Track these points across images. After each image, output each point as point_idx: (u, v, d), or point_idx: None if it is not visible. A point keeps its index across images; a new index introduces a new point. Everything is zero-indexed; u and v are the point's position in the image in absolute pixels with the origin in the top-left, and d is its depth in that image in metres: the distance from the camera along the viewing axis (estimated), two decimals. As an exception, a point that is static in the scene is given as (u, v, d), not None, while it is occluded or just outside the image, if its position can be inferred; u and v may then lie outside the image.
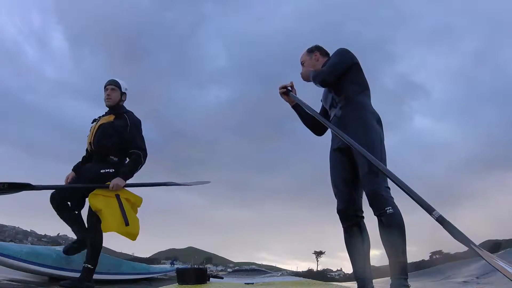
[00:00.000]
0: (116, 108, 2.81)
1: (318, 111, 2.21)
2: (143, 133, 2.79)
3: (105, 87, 2.84)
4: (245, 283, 2.57)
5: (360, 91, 2.01)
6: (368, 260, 1.93)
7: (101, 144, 2.68)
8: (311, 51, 2.22)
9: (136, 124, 2.77)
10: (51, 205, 2.61)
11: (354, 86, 1.99)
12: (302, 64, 2.24)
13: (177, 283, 2.29)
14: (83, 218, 2.66)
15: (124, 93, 2.86)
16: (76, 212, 2.68)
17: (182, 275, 2.34)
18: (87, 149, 2.83)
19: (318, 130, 2.23)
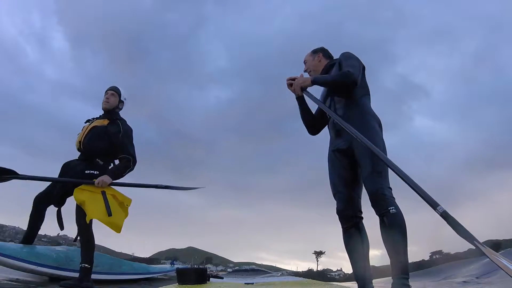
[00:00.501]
0: (111, 113, 2.88)
1: (314, 112, 2.21)
2: (140, 139, 2.88)
3: (106, 91, 2.92)
4: (245, 283, 2.57)
5: (363, 95, 2.02)
6: (367, 260, 1.93)
7: (91, 145, 2.74)
8: (315, 52, 2.24)
9: (128, 131, 2.84)
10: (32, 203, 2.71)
11: (358, 89, 2.00)
12: (305, 63, 2.26)
13: (177, 283, 2.29)
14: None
15: (122, 101, 2.94)
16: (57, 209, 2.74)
17: (182, 275, 2.34)
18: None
19: (315, 128, 2.22)
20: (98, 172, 2.69)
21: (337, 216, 1.97)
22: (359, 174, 1.95)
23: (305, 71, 2.26)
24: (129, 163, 2.74)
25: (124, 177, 2.77)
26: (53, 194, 2.72)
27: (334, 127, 2.05)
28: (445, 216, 1.40)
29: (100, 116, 2.90)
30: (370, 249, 1.95)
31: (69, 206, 2.68)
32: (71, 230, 2.71)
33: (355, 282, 1.96)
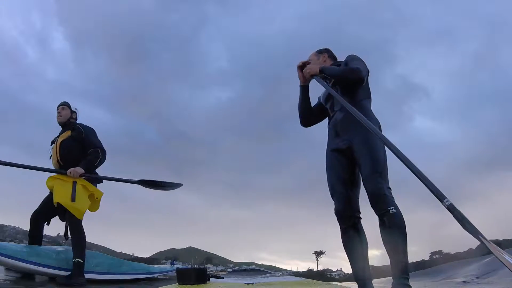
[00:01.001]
0: (68, 124, 3.11)
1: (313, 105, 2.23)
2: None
3: (57, 108, 3.15)
4: (245, 283, 2.57)
5: (364, 98, 2.03)
6: (367, 260, 1.93)
7: (68, 157, 2.97)
8: (320, 52, 2.25)
9: (89, 129, 3.09)
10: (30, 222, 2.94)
11: (360, 92, 2.01)
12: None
13: (177, 283, 2.29)
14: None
15: (74, 111, 3.19)
16: (47, 224, 2.99)
17: (182, 275, 2.34)
18: None
19: (308, 121, 2.24)
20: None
21: (336, 216, 1.98)
22: (357, 174, 1.96)
23: None
24: (98, 154, 2.98)
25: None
26: (48, 210, 2.93)
27: (334, 126, 2.05)
28: (452, 209, 1.40)
29: (60, 131, 3.13)
30: (369, 249, 1.96)
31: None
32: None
33: (355, 282, 1.97)
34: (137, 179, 3.19)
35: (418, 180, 1.52)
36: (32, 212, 2.96)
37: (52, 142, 3.14)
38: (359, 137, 1.90)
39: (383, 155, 1.87)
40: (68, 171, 2.83)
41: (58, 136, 3.11)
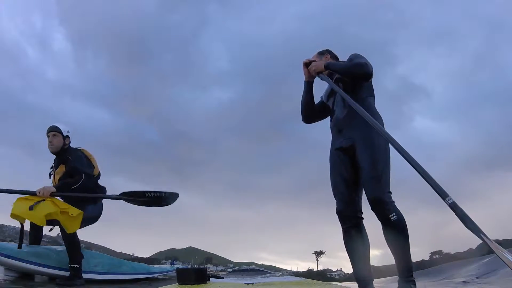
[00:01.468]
0: (61, 154, 2.94)
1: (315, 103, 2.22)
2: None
3: (47, 134, 2.94)
4: (245, 283, 2.56)
5: (368, 95, 2.02)
6: (368, 260, 1.93)
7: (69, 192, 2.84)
8: (322, 53, 2.25)
9: (76, 157, 2.92)
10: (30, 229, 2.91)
11: (364, 90, 2.01)
12: None
13: (177, 283, 2.28)
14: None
15: (67, 136, 2.97)
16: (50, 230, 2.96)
17: (182, 275, 2.33)
18: None
19: (310, 117, 2.23)
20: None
21: (337, 216, 1.97)
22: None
23: None
24: (79, 179, 2.82)
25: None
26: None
27: (336, 125, 2.05)
28: (454, 207, 1.40)
29: (54, 161, 3.00)
30: (370, 249, 1.95)
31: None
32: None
33: (355, 282, 1.97)
34: (120, 192, 3.01)
35: (420, 179, 1.51)
36: None
37: (50, 174, 3.03)
38: (362, 136, 1.89)
39: (384, 156, 1.86)
40: (38, 190, 2.69)
41: (54, 168, 3.00)
